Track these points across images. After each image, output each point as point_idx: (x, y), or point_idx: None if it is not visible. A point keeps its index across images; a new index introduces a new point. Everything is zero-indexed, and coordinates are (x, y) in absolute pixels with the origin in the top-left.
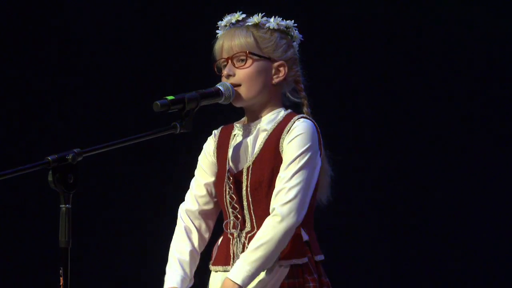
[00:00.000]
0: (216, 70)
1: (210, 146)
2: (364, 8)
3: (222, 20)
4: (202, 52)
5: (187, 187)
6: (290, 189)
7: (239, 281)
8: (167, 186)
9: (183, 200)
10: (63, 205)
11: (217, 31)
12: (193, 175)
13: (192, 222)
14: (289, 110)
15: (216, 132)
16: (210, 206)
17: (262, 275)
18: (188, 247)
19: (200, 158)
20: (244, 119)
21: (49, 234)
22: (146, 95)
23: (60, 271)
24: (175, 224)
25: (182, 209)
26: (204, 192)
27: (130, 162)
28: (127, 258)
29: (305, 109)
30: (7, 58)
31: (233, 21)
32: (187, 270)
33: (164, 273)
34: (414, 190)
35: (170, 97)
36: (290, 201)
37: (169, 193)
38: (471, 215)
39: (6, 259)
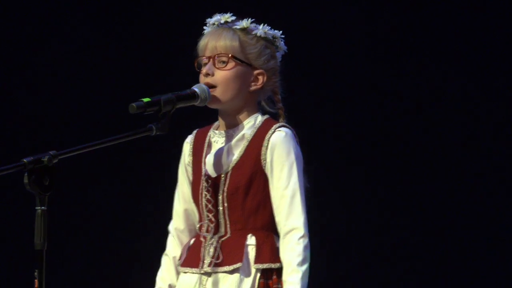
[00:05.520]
0: (196, 66)
1: (186, 152)
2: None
3: (211, 17)
4: (180, 53)
5: (165, 188)
6: (299, 204)
7: None
8: (145, 187)
9: (161, 201)
10: (39, 207)
11: (204, 27)
12: (169, 177)
13: (182, 246)
14: (266, 116)
15: (191, 137)
16: (195, 217)
17: (238, 278)
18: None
19: (180, 169)
20: (217, 123)
21: (25, 236)
22: (123, 97)
23: (35, 274)
24: (152, 226)
25: (170, 230)
26: (189, 204)
27: (108, 163)
28: (103, 261)
29: (281, 120)
30: None
31: (222, 21)
32: None
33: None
34: (390, 202)
35: (146, 99)
36: (301, 215)
37: (148, 195)
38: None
39: None
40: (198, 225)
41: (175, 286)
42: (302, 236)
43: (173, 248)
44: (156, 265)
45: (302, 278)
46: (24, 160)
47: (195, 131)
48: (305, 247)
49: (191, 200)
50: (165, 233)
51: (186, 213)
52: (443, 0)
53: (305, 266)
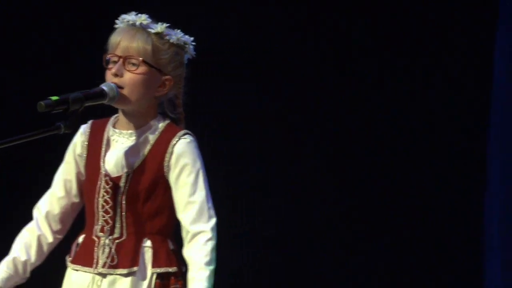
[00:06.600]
0: (104, 62)
1: (79, 143)
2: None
3: (127, 14)
4: (90, 52)
5: None
6: (207, 209)
7: None
8: None
9: None
10: None
11: (116, 21)
12: None
13: (50, 229)
14: (167, 120)
15: (85, 128)
16: (72, 207)
17: (134, 280)
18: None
19: (67, 156)
20: (115, 119)
21: None
22: (32, 95)
23: None
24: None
25: (41, 211)
26: (68, 195)
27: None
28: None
29: (181, 124)
30: None
31: (138, 23)
32: (20, 270)
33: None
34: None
35: (54, 98)
36: (209, 220)
37: None
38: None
39: None
40: (96, 226)
41: (31, 264)
42: (210, 239)
43: (42, 227)
44: None
45: (209, 277)
46: None
47: (90, 122)
48: (212, 249)
49: (75, 192)
50: None
51: (62, 201)
52: None
53: (212, 267)
